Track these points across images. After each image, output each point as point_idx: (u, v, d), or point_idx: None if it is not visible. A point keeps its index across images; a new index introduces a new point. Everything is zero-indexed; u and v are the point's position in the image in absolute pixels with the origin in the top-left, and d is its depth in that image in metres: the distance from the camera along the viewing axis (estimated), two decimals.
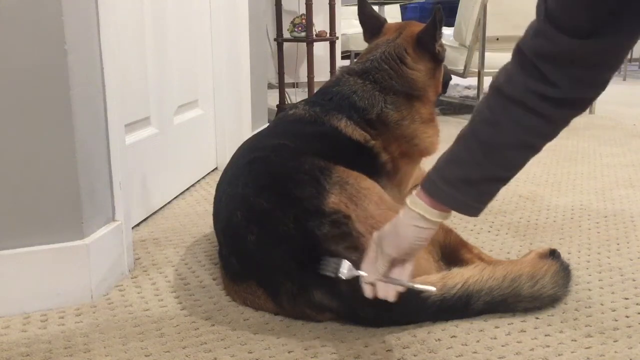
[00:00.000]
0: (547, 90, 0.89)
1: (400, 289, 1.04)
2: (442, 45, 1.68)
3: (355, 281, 1.11)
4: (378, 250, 1.04)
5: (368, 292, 1.06)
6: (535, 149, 0.97)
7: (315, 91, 1.95)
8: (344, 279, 1.09)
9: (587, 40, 0.83)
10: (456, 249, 1.39)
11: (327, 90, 1.67)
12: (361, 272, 1.06)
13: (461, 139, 0.99)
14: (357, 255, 1.14)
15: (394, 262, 1.04)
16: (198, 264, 1.53)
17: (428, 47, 1.63)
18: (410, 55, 1.65)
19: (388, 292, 1.04)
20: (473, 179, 0.96)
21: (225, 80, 2.49)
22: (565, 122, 0.95)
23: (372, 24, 1.79)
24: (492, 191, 0.99)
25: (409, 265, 1.05)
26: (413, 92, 1.66)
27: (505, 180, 0.98)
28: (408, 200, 1.00)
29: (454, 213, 1.00)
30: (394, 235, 1.01)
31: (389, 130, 1.64)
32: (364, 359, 1.09)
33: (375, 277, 1.04)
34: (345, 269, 1.08)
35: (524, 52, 0.90)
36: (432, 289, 1.09)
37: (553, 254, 1.33)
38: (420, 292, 1.10)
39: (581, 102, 0.92)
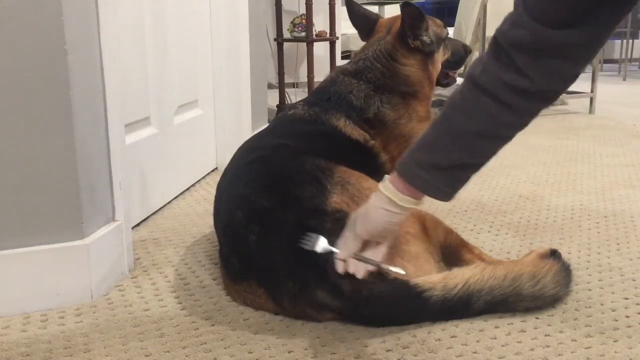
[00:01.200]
0: (519, 82, 0.91)
1: (371, 268, 1.09)
2: (427, 37, 1.66)
3: (356, 280, 1.12)
4: (351, 229, 1.08)
5: (339, 267, 1.10)
6: (504, 139, 0.99)
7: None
8: (318, 252, 1.12)
9: (565, 30, 0.85)
10: (457, 250, 1.39)
11: (324, 91, 1.67)
12: (334, 248, 1.11)
13: (434, 125, 1.03)
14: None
15: (368, 243, 1.09)
16: (198, 264, 1.53)
17: (407, 43, 1.63)
18: (400, 51, 1.65)
19: (358, 269, 1.09)
20: (443, 164, 1.00)
21: (225, 80, 2.49)
22: (533, 114, 0.97)
23: (364, 24, 1.79)
24: (462, 177, 1.02)
25: (382, 247, 1.09)
26: (408, 89, 1.65)
27: (474, 167, 1.01)
28: (380, 185, 1.04)
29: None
30: (365, 217, 1.05)
31: (387, 130, 1.64)
32: (364, 359, 1.09)
33: (347, 254, 1.08)
34: (321, 244, 1.12)
35: (499, 42, 0.92)
36: (402, 272, 1.11)
37: (554, 254, 1.33)
38: (388, 272, 1.12)
39: (551, 94, 0.94)
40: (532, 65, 0.89)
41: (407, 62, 1.65)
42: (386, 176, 1.05)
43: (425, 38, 1.65)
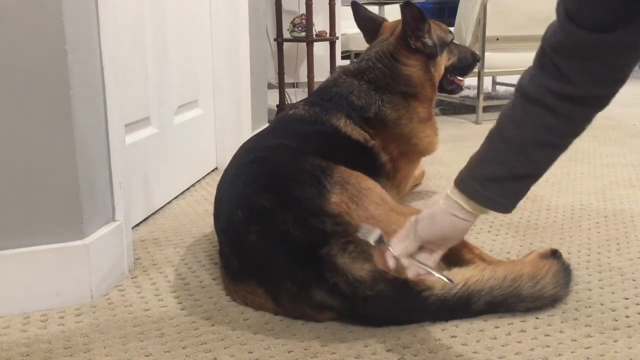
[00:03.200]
0: (563, 88, 0.90)
1: (422, 271, 1.06)
2: (430, 39, 1.66)
3: (355, 281, 1.11)
4: (412, 230, 1.06)
5: (391, 263, 1.07)
6: (557, 147, 0.98)
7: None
8: (372, 245, 1.09)
9: (606, 34, 0.84)
10: (457, 249, 1.38)
11: (325, 91, 1.67)
12: (390, 244, 1.08)
13: (488, 138, 1.02)
14: (356, 253, 1.14)
15: (424, 247, 1.06)
16: (198, 264, 1.53)
17: (409, 44, 1.63)
18: (402, 52, 1.65)
19: (409, 270, 1.06)
20: (499, 177, 0.99)
21: (225, 80, 2.49)
22: (584, 119, 0.96)
23: (370, 26, 1.80)
24: (519, 189, 1.01)
25: (436, 255, 1.07)
26: (409, 90, 1.66)
27: (531, 178, 1.00)
28: (448, 190, 1.03)
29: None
30: (430, 219, 1.04)
31: (388, 130, 1.64)
32: (364, 359, 1.09)
33: (402, 252, 1.06)
34: (376, 236, 1.09)
35: (544, 50, 0.92)
36: (453, 281, 1.10)
37: (554, 254, 1.33)
38: (440, 279, 1.10)
39: (597, 99, 0.93)
40: (575, 70, 0.89)
41: (408, 63, 1.65)
42: (453, 183, 1.04)
43: (427, 40, 1.65)
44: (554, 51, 0.90)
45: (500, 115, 1.02)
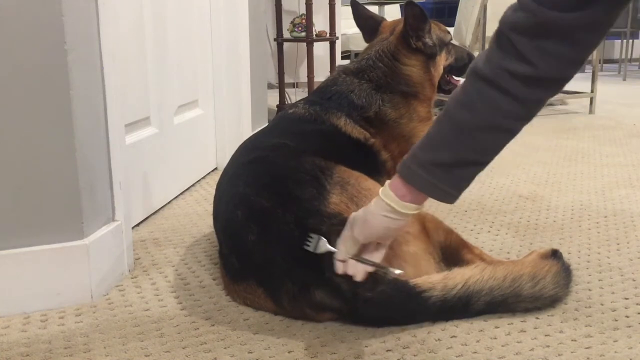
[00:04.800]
0: (520, 68, 0.88)
1: (370, 269, 1.08)
2: (430, 39, 1.66)
3: (355, 282, 1.11)
4: (349, 231, 1.07)
5: (338, 268, 1.09)
6: (508, 132, 0.96)
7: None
8: (319, 253, 1.12)
9: (570, 13, 0.83)
10: (457, 250, 1.39)
11: (325, 90, 1.67)
12: (333, 249, 1.11)
13: (436, 123, 1.00)
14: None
15: (368, 244, 1.07)
16: (198, 264, 1.53)
17: (410, 44, 1.63)
18: (402, 51, 1.65)
19: (357, 271, 1.08)
20: (446, 162, 0.96)
21: (225, 80, 2.49)
22: (538, 104, 0.94)
23: (369, 25, 1.80)
24: (466, 176, 0.98)
25: (382, 249, 1.08)
26: (409, 90, 1.66)
27: (478, 164, 0.98)
28: (380, 190, 1.02)
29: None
30: (363, 221, 1.04)
31: (388, 129, 1.64)
32: (364, 359, 1.09)
33: (346, 255, 1.08)
34: (321, 245, 1.12)
35: (501, 30, 0.90)
36: (399, 271, 1.10)
37: (555, 254, 1.33)
38: (386, 273, 1.12)
39: (554, 81, 0.91)
40: (534, 50, 0.86)
41: (408, 62, 1.65)
42: (387, 182, 1.03)
43: (427, 40, 1.65)
44: (514, 30, 0.88)
45: (449, 99, 0.99)
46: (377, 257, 1.09)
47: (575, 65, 0.89)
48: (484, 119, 0.93)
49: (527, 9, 0.85)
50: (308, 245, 1.13)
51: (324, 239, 1.12)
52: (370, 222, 1.03)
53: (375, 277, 1.13)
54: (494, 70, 0.91)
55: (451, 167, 0.97)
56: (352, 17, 1.85)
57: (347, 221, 1.09)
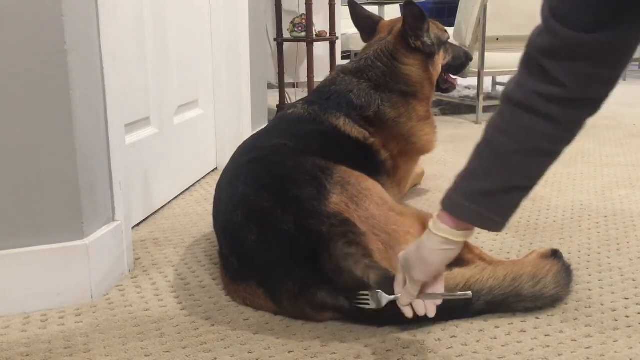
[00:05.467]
0: (553, 90, 0.88)
1: (438, 302, 1.05)
2: (429, 38, 1.66)
3: (356, 281, 1.11)
4: (406, 276, 1.03)
5: (408, 313, 1.06)
6: (549, 155, 0.94)
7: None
8: (383, 307, 1.08)
9: (593, 34, 0.82)
10: None
11: (324, 90, 1.67)
12: (395, 297, 1.06)
13: (476, 151, 0.97)
14: (356, 252, 1.14)
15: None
16: (198, 264, 1.53)
17: (409, 43, 1.63)
18: (401, 50, 1.65)
19: (428, 309, 1.05)
20: (491, 191, 0.94)
21: (225, 80, 2.49)
22: (575, 124, 0.92)
23: (367, 25, 1.80)
24: (512, 203, 0.96)
25: (441, 278, 1.05)
26: (408, 89, 1.66)
27: (524, 189, 0.96)
28: (431, 226, 0.98)
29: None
30: (421, 261, 1.00)
31: (387, 128, 1.64)
32: (364, 359, 1.09)
33: (410, 299, 1.04)
34: (382, 299, 1.08)
35: (529, 54, 0.89)
36: (468, 293, 1.09)
37: (555, 254, 1.33)
38: (458, 298, 1.12)
39: (588, 101, 0.90)
40: (563, 71, 0.86)
41: (407, 62, 1.65)
42: (434, 217, 0.99)
43: (426, 39, 1.66)
44: (541, 53, 0.87)
45: (486, 126, 0.97)
46: (439, 287, 1.05)
47: (608, 83, 0.88)
48: (523, 143, 0.92)
49: (552, 31, 0.85)
50: (367, 304, 1.10)
51: (381, 292, 1.08)
52: (429, 260, 0.99)
53: (376, 276, 1.12)
54: (527, 94, 0.90)
55: (495, 195, 0.95)
56: (351, 17, 1.86)
57: (398, 264, 1.06)
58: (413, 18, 1.61)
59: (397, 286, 1.06)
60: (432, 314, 1.05)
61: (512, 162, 0.93)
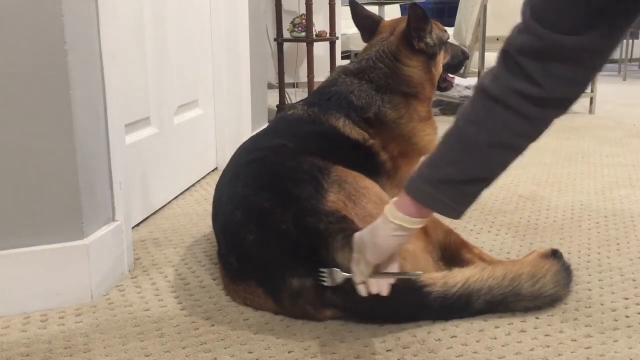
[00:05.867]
0: (528, 89, 0.90)
1: (392, 280, 1.07)
2: (431, 39, 1.66)
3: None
4: (360, 256, 1.06)
5: (362, 291, 1.08)
6: (515, 150, 0.97)
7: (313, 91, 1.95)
8: (339, 284, 1.11)
9: (572, 37, 0.84)
10: (457, 250, 1.39)
11: (324, 91, 1.67)
12: (350, 275, 1.09)
13: (444, 139, 1.00)
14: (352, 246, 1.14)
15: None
16: (198, 264, 1.53)
17: (412, 44, 1.63)
18: (404, 52, 1.65)
19: (381, 288, 1.07)
20: (454, 179, 0.97)
21: (225, 80, 2.49)
22: (546, 123, 0.96)
23: (368, 25, 1.80)
24: (472, 193, 1.00)
25: (395, 258, 1.07)
26: (410, 90, 1.66)
27: (485, 181, 0.99)
28: (387, 211, 1.01)
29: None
30: (373, 245, 1.03)
31: (387, 129, 1.64)
32: (364, 359, 1.09)
33: (364, 277, 1.07)
34: (338, 276, 1.11)
35: (508, 51, 0.91)
36: (420, 272, 1.11)
37: (555, 254, 1.33)
38: (409, 278, 1.13)
39: (562, 101, 0.93)
40: (540, 72, 0.88)
41: (410, 64, 1.65)
42: (391, 203, 1.02)
43: (429, 40, 1.66)
44: (519, 52, 0.89)
45: (457, 114, 1.00)
46: (394, 267, 1.07)
47: (580, 86, 0.91)
48: (494, 136, 0.95)
49: (532, 31, 0.87)
50: (324, 281, 1.12)
51: (337, 269, 1.11)
52: (382, 244, 1.02)
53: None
54: (502, 89, 0.92)
55: (458, 184, 0.98)
56: (351, 17, 1.85)
57: (354, 243, 1.08)
58: (417, 20, 1.61)
59: (354, 265, 1.08)
60: (385, 292, 1.07)
61: (479, 153, 0.96)
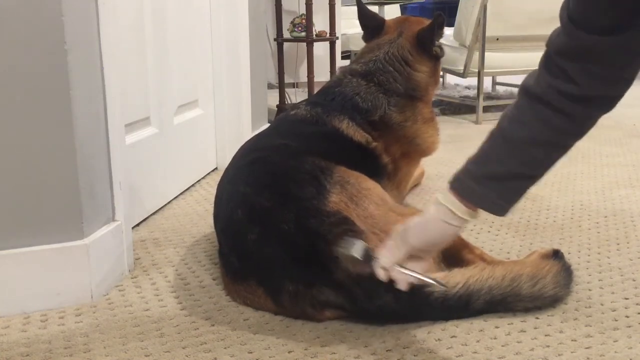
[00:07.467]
0: (567, 88, 0.93)
1: (413, 279, 1.07)
2: (440, 45, 1.68)
3: (357, 277, 1.11)
4: (399, 239, 1.06)
5: (382, 275, 1.07)
6: (560, 147, 0.99)
7: (315, 91, 1.95)
8: (358, 259, 1.08)
9: (606, 37, 0.87)
10: (458, 250, 1.39)
11: (329, 91, 1.66)
12: (377, 256, 1.08)
13: (489, 137, 1.03)
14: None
15: (412, 255, 1.06)
16: (198, 264, 1.53)
17: (426, 48, 1.64)
18: (414, 56, 1.65)
19: (401, 279, 1.07)
20: (498, 176, 0.99)
21: (225, 80, 2.49)
22: (588, 120, 0.98)
23: (373, 25, 1.80)
24: (517, 189, 1.01)
25: (424, 262, 1.08)
26: (416, 93, 1.66)
27: (530, 178, 1.01)
28: (440, 196, 1.03)
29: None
30: (422, 227, 1.04)
31: (392, 132, 1.64)
32: (364, 359, 1.09)
33: (391, 262, 1.06)
34: (361, 249, 1.08)
35: (548, 53, 0.95)
36: (444, 283, 1.10)
37: (556, 254, 1.33)
38: (429, 286, 1.12)
39: (602, 100, 0.95)
40: (579, 72, 0.91)
41: (420, 69, 1.66)
42: (443, 190, 1.03)
43: (437, 45, 1.67)
44: (558, 54, 0.93)
45: (502, 116, 1.02)
46: (420, 268, 1.07)
47: (621, 83, 0.94)
48: (537, 133, 0.97)
49: (567, 33, 0.91)
50: (343, 247, 1.09)
51: (366, 244, 1.08)
52: (429, 228, 1.03)
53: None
54: (544, 89, 0.95)
55: (503, 180, 1.00)
56: (352, 17, 1.86)
57: (393, 231, 1.08)
58: (437, 27, 1.62)
59: (382, 249, 1.07)
60: (403, 287, 1.07)
61: (524, 151, 0.98)
